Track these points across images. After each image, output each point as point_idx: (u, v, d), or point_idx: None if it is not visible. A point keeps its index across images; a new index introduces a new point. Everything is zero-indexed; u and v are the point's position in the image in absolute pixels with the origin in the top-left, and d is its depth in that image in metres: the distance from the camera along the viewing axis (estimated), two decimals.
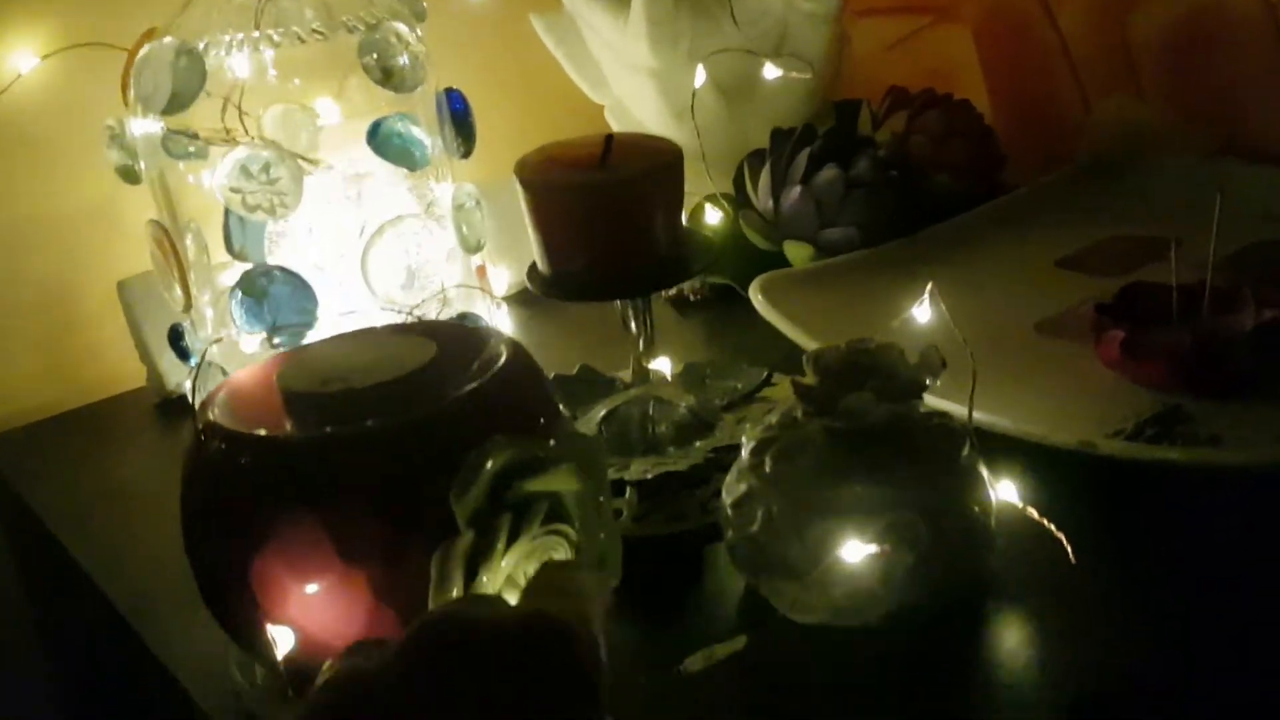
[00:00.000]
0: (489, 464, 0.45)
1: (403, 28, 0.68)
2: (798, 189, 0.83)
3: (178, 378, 0.79)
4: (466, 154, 0.75)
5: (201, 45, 0.65)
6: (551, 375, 0.71)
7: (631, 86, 0.90)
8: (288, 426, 0.48)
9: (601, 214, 0.59)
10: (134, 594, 0.60)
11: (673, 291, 0.89)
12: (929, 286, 0.59)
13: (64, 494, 0.72)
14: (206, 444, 0.47)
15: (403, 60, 0.66)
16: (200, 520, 0.47)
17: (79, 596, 0.65)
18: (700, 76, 0.80)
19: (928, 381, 0.50)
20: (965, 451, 0.51)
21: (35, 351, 0.84)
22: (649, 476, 0.58)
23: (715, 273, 0.87)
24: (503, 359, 0.50)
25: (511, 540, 0.45)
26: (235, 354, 0.70)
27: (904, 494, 0.48)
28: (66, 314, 0.85)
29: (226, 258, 0.69)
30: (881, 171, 0.84)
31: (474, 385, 0.48)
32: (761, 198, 0.86)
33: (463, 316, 0.71)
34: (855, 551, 0.46)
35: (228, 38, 0.65)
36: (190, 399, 0.71)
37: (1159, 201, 0.87)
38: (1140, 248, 0.82)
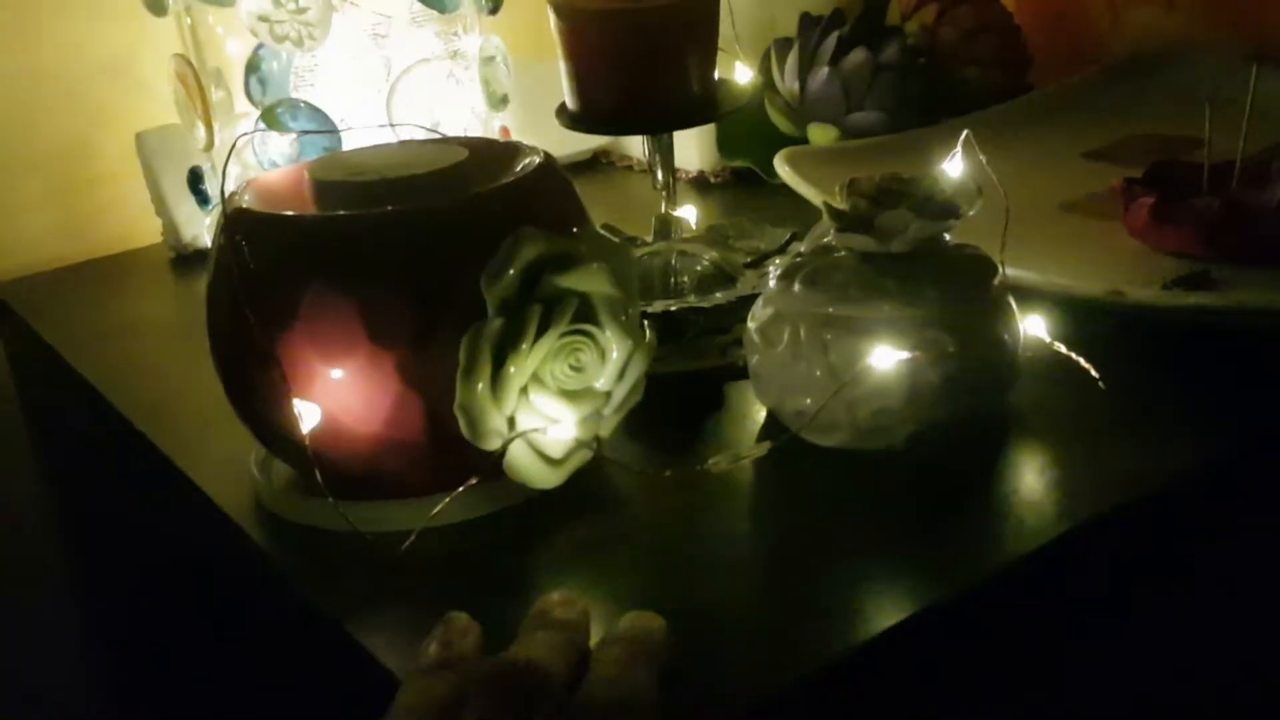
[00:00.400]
0: (521, 252, 0.44)
1: None
2: (825, 71, 0.82)
3: (194, 230, 0.79)
4: (495, 10, 0.74)
5: None
6: None
7: None
8: (319, 209, 0.47)
9: (635, 43, 0.58)
10: (149, 410, 0.60)
11: (694, 171, 0.89)
12: (964, 134, 0.58)
13: (80, 330, 0.72)
14: (234, 226, 0.46)
15: None
16: (226, 306, 0.46)
17: (93, 420, 0.65)
18: None
19: (963, 208, 0.50)
20: (996, 280, 0.50)
21: (51, 204, 0.83)
22: (673, 309, 0.57)
23: (738, 155, 0.87)
24: (535, 164, 0.49)
25: (540, 334, 0.45)
26: None
27: (933, 314, 0.48)
28: (83, 167, 0.84)
29: (248, 107, 0.68)
30: (910, 57, 0.84)
31: (507, 180, 0.47)
32: (787, 81, 0.85)
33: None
34: (883, 358, 0.46)
35: None
36: (210, 245, 0.71)
37: (1188, 103, 0.86)
38: (1168, 143, 0.81)
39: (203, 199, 0.73)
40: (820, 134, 0.83)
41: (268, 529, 0.49)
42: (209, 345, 0.48)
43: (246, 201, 0.48)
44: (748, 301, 0.61)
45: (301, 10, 0.64)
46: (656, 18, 0.58)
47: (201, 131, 0.69)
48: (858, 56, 0.82)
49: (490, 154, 0.51)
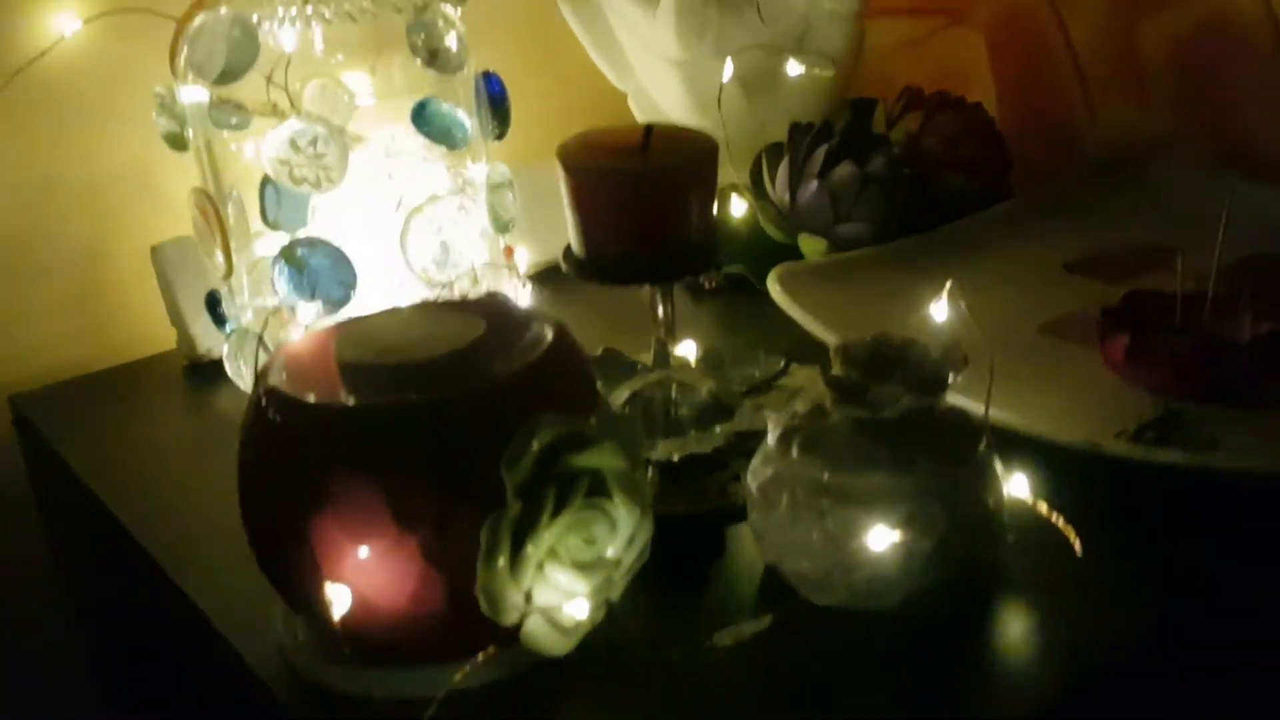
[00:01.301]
0: (538, 438, 0.47)
1: (450, 9, 0.70)
2: (814, 184, 0.86)
3: (208, 343, 0.81)
4: (501, 135, 0.77)
5: (255, 18, 0.67)
6: None
7: (656, 75, 0.92)
8: (345, 396, 0.50)
9: (640, 201, 0.61)
10: (171, 546, 0.62)
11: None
12: (949, 285, 0.61)
13: (97, 450, 0.74)
14: (267, 410, 0.49)
15: (449, 42, 0.69)
16: (259, 484, 0.49)
17: (111, 552, 0.67)
18: (728, 71, 0.82)
19: (951, 376, 0.53)
20: (982, 445, 0.54)
21: (66, 310, 0.86)
22: (675, 459, 0.60)
23: (731, 263, 0.90)
24: (549, 339, 0.52)
25: (556, 512, 0.48)
26: (273, 321, 0.72)
27: (924, 483, 0.51)
28: (98, 275, 0.86)
29: (264, 226, 0.71)
30: (896, 169, 0.87)
31: (524, 363, 0.50)
32: (778, 190, 0.89)
33: (491, 296, 0.73)
34: (878, 538, 0.49)
35: (281, 11, 0.67)
36: (228, 367, 0.74)
37: (1165, 209, 0.90)
38: (1146, 255, 0.85)
39: (220, 320, 0.76)
40: (810, 245, 0.86)
41: (289, 685, 0.52)
42: (240, 513, 0.51)
43: (276, 379, 0.50)
44: (745, 436, 0.64)
45: (320, 155, 0.67)
46: (661, 177, 0.61)
47: (220, 259, 0.72)
48: (845, 170, 0.85)
49: (505, 322, 0.54)
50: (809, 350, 0.73)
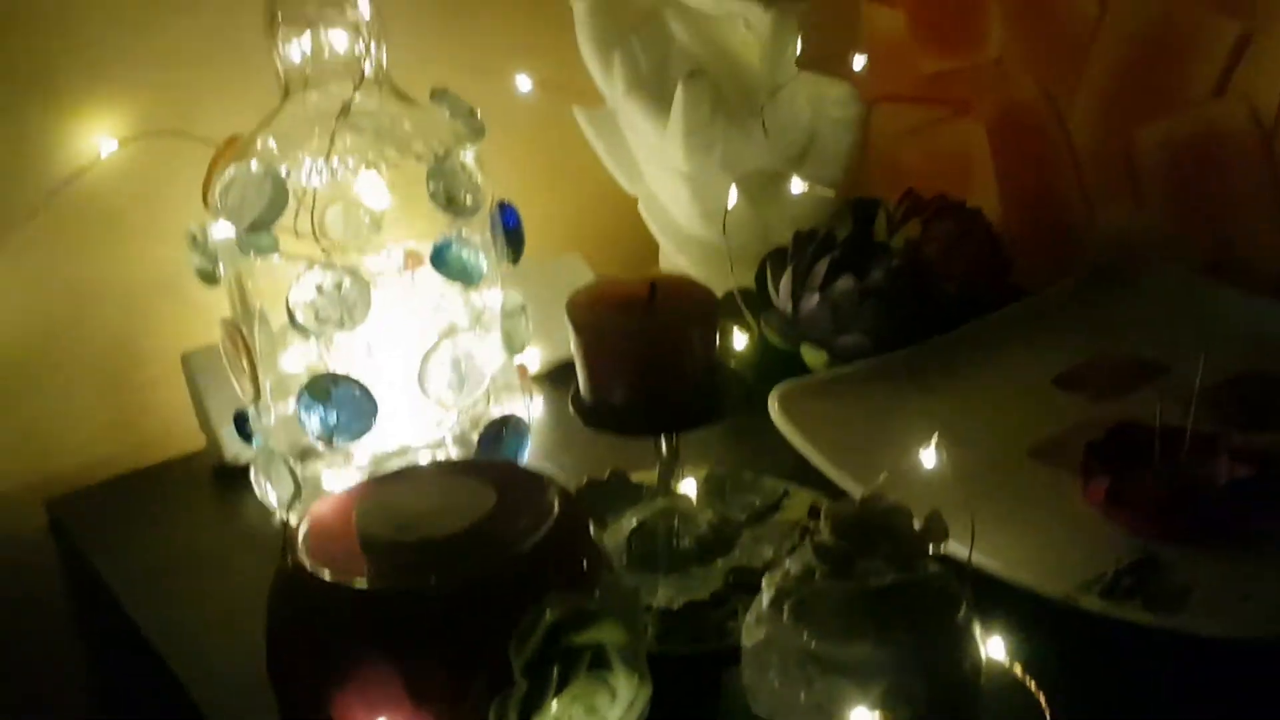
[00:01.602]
0: (544, 620, 0.51)
1: (468, 159, 0.74)
2: (816, 297, 0.89)
3: (235, 449, 0.85)
4: (515, 260, 0.81)
5: (284, 170, 0.71)
6: (585, 479, 0.78)
7: (665, 184, 0.96)
8: (366, 572, 0.54)
9: (644, 357, 0.65)
10: (204, 675, 0.67)
11: None
12: (935, 437, 0.65)
13: (125, 557, 0.79)
14: (293, 585, 0.53)
15: (466, 190, 0.72)
16: (284, 651, 0.53)
17: (135, 656, 0.72)
18: (733, 196, 0.85)
19: (931, 549, 0.57)
20: (961, 613, 0.57)
21: (98, 410, 0.90)
22: (675, 607, 0.64)
23: (738, 367, 0.94)
24: (555, 511, 0.56)
25: (560, 687, 0.51)
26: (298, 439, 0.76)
27: (905, 655, 0.54)
28: (130, 377, 0.91)
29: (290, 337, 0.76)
30: (895, 281, 0.90)
31: (533, 541, 0.54)
32: (782, 299, 0.92)
33: (504, 421, 0.77)
34: (860, 716, 0.53)
35: (308, 162, 0.71)
36: (254, 483, 0.78)
37: (1155, 316, 0.93)
38: (1133, 368, 0.88)
39: (247, 437, 0.80)
40: (812, 355, 0.90)
41: None
42: (268, 678, 0.55)
43: (301, 551, 0.54)
44: (744, 573, 0.68)
45: (344, 298, 0.70)
46: (665, 335, 0.65)
47: (248, 386, 0.76)
48: (845, 284, 0.89)
49: (515, 490, 0.57)
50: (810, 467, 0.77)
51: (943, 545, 0.57)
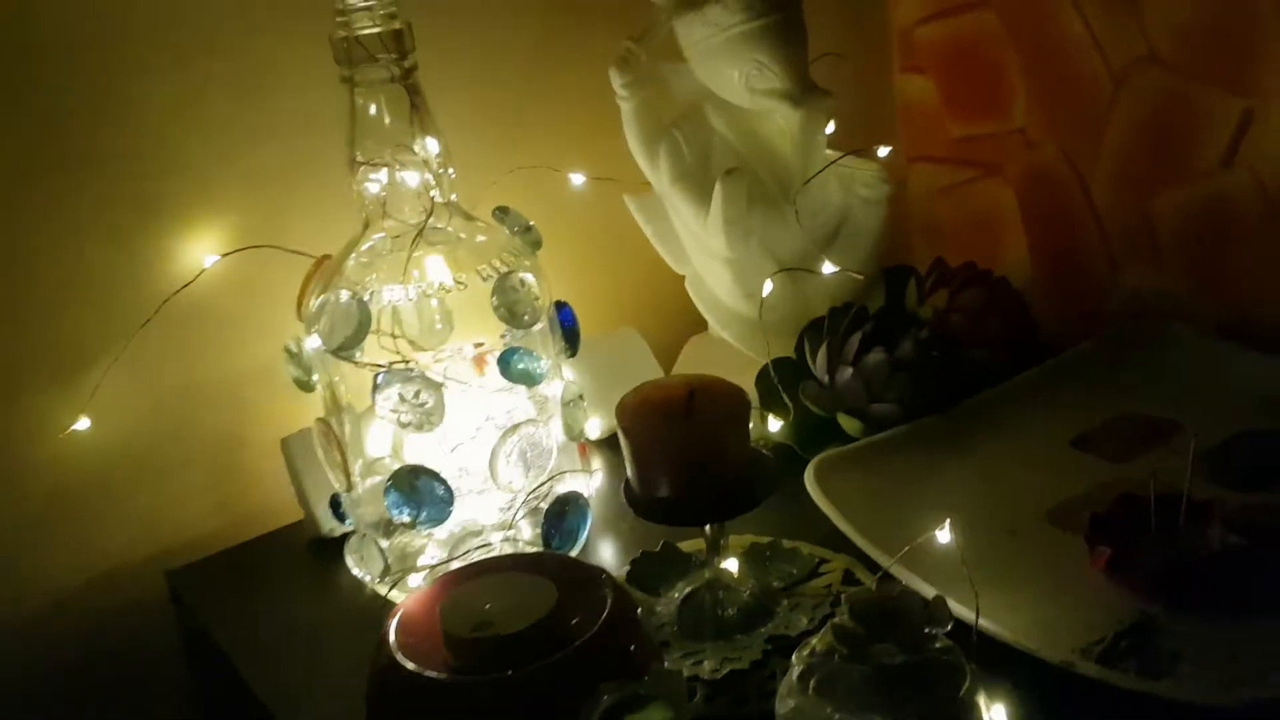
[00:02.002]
0: (601, 706, 0.60)
1: (529, 277, 0.83)
2: (849, 370, 0.97)
3: (330, 524, 0.95)
4: (572, 354, 0.91)
5: (368, 295, 0.81)
6: (639, 551, 0.87)
7: (709, 266, 1.04)
8: (449, 660, 0.63)
9: (684, 457, 0.74)
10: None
11: None
12: (947, 522, 0.73)
13: (238, 624, 0.89)
14: (388, 676, 0.63)
15: (525, 308, 0.82)
16: None
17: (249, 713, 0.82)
18: (768, 286, 0.94)
19: (935, 631, 0.65)
20: (965, 686, 0.65)
21: (208, 491, 1.01)
22: (719, 675, 0.73)
23: (779, 433, 1.02)
24: (609, 605, 0.65)
25: None
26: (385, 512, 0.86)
27: None
28: (235, 459, 1.01)
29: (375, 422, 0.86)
30: (924, 353, 0.98)
31: (590, 634, 0.63)
32: (819, 369, 1.00)
33: (566, 500, 0.86)
34: None
35: (388, 292, 0.81)
36: (348, 559, 0.88)
37: (1171, 378, 1.00)
38: (1148, 428, 0.95)
39: (340, 518, 0.90)
40: (847, 422, 0.98)
41: None
42: None
43: (394, 646, 0.64)
44: (782, 639, 0.77)
45: (422, 404, 0.80)
46: (704, 436, 0.74)
47: (341, 477, 0.86)
48: (876, 357, 0.97)
49: (574, 583, 0.67)
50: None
51: (945, 628, 0.65)
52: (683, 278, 1.08)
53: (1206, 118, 1.02)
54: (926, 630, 0.65)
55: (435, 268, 0.84)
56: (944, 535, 0.75)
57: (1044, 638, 0.73)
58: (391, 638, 0.65)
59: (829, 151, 1.05)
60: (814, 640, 0.68)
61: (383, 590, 0.87)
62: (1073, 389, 1.00)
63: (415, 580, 0.84)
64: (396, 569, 0.86)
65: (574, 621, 0.65)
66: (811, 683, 0.66)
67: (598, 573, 0.68)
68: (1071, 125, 1.13)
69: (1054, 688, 0.70)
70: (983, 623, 0.70)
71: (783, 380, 0.99)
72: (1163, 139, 1.06)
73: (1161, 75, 1.04)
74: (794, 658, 0.68)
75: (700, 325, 1.12)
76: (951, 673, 0.66)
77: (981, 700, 0.66)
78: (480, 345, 0.89)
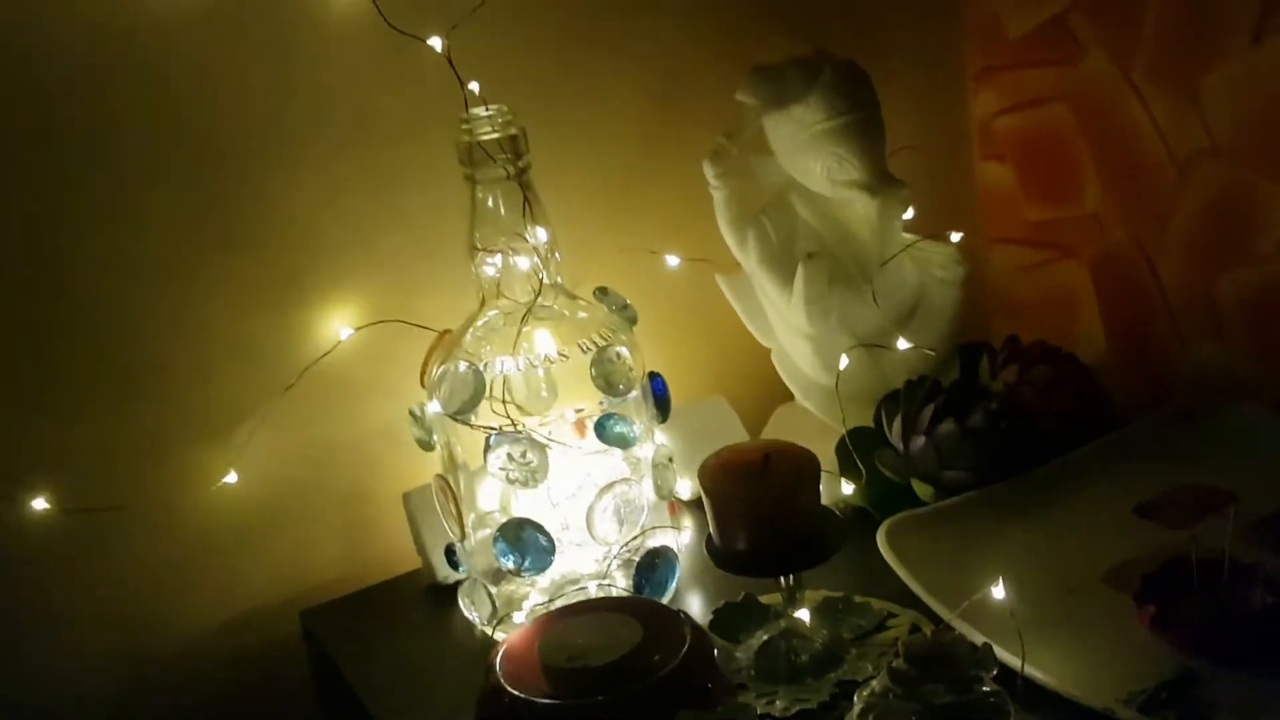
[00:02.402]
0: None
1: (623, 350, 0.93)
2: (922, 439, 1.05)
3: (445, 571, 1.06)
4: (663, 420, 1.00)
5: (483, 365, 0.92)
6: (722, 602, 0.95)
7: (792, 341, 1.13)
8: (547, 688, 0.73)
9: (761, 515, 0.82)
10: None
11: None
12: (999, 579, 0.80)
13: (366, 662, 0.99)
14: (497, 699, 0.72)
15: (620, 379, 0.92)
16: None
17: None
18: (844, 360, 1.03)
19: (982, 674, 0.72)
20: None
21: (337, 539, 1.12)
22: (789, 714, 0.81)
23: (856, 497, 1.10)
24: (688, 643, 0.74)
25: None
26: (493, 562, 0.96)
27: None
28: (361, 512, 1.13)
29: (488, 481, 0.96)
30: (994, 423, 1.05)
31: (670, 667, 0.72)
32: (895, 438, 1.08)
33: (657, 553, 0.95)
34: None
35: (500, 363, 0.92)
36: (461, 603, 0.98)
37: (1231, 450, 1.05)
38: (1204, 497, 1.00)
39: (454, 566, 1.00)
40: (920, 488, 1.05)
41: None
42: None
43: (499, 674, 0.73)
44: (849, 684, 0.84)
45: (528, 463, 0.90)
46: (777, 497, 0.82)
47: (456, 528, 0.96)
48: (948, 428, 1.04)
49: (657, 626, 0.76)
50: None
51: (991, 672, 0.73)
52: (769, 351, 1.16)
53: (1265, 205, 1.08)
54: (973, 673, 0.73)
55: (542, 341, 0.95)
56: (998, 591, 0.82)
57: (1088, 687, 0.79)
58: (497, 667, 0.75)
59: (906, 235, 1.13)
60: (873, 682, 0.76)
61: (490, 631, 0.96)
62: (1136, 458, 1.06)
63: (519, 619, 0.93)
64: (504, 611, 0.96)
65: (656, 657, 0.73)
66: (870, 718, 0.73)
67: (678, 614, 0.77)
68: (1140, 210, 1.20)
69: None
70: (1029, 670, 0.77)
71: (859, 447, 1.07)
72: (1225, 223, 1.12)
73: (1221, 165, 1.11)
74: (855, 697, 0.76)
75: (785, 394, 1.21)
76: (996, 714, 0.73)
77: None
78: (580, 411, 0.99)
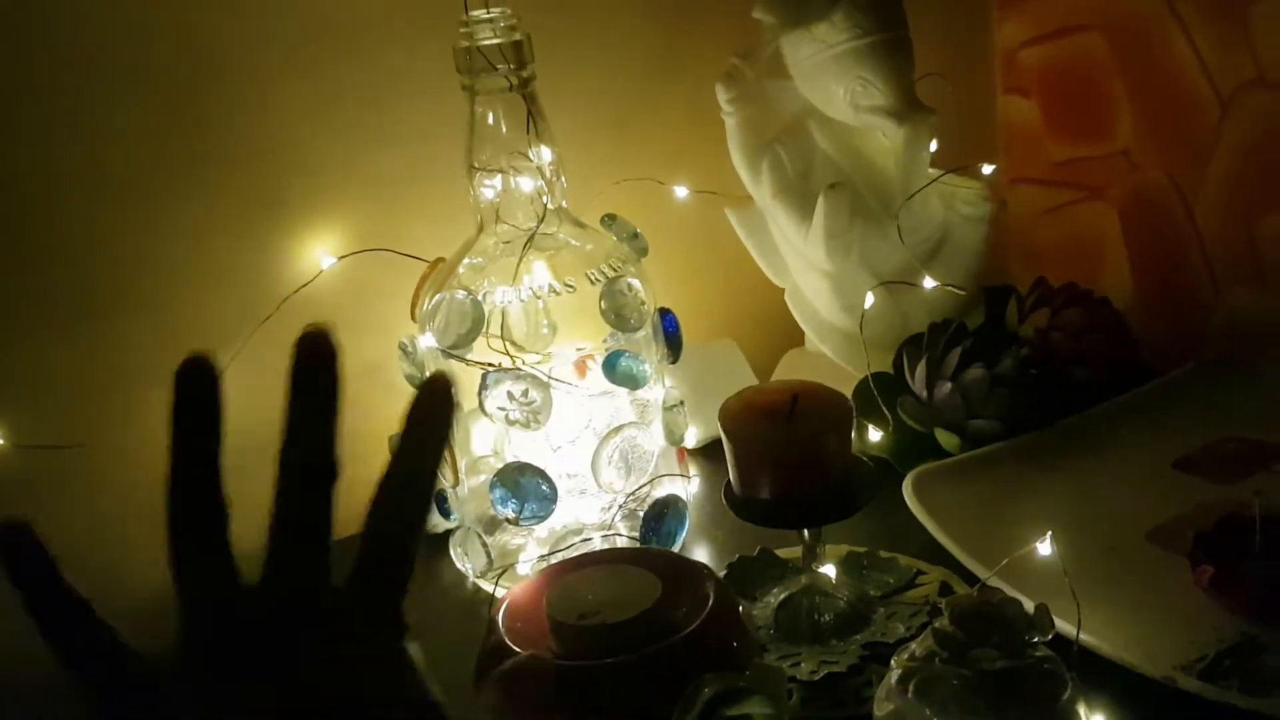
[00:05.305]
0: (702, 696, 0.62)
1: (636, 282, 0.85)
2: (948, 385, 0.98)
3: (434, 519, 0.98)
4: (674, 360, 0.92)
5: (481, 295, 0.84)
6: (736, 556, 0.88)
7: (809, 279, 1.06)
8: (555, 647, 0.65)
9: (786, 461, 0.75)
10: None
11: None
12: (1048, 534, 0.73)
13: None
14: (494, 658, 0.65)
15: (632, 311, 0.84)
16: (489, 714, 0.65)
17: None
18: (870, 299, 0.95)
19: (1037, 639, 0.65)
20: (1067, 694, 0.66)
21: None
22: (816, 677, 0.74)
23: (878, 447, 1.03)
24: (711, 600, 0.67)
25: None
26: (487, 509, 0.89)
27: None
28: (345, 455, 1.04)
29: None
30: (1023, 370, 0.98)
31: (693, 626, 0.65)
32: (918, 385, 1.01)
33: (665, 503, 0.88)
34: None
35: (500, 293, 0.84)
36: (452, 552, 0.90)
37: (1272, 401, 0.99)
38: (1250, 452, 0.94)
39: (445, 514, 0.93)
40: (945, 437, 0.98)
41: None
42: None
43: (502, 630, 0.66)
44: (878, 646, 0.78)
45: (530, 402, 0.82)
46: (805, 442, 0.75)
47: (449, 473, 0.89)
48: (976, 373, 0.97)
49: (678, 581, 0.68)
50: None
51: (1048, 636, 0.66)
52: (782, 290, 1.09)
53: None
54: (1027, 638, 0.66)
55: (543, 272, 0.87)
56: (1045, 548, 0.76)
57: (1144, 653, 0.73)
58: (500, 623, 0.67)
59: (931, 169, 1.05)
60: (914, 645, 0.69)
61: (485, 584, 0.89)
62: (1174, 410, 1.00)
63: (521, 572, 0.86)
64: (498, 565, 0.88)
65: (679, 613, 0.66)
66: (911, 686, 0.66)
67: (701, 568, 0.70)
68: (1177, 148, 1.13)
69: (1153, 703, 0.70)
70: (1083, 636, 0.70)
71: (880, 394, 0.99)
72: (1270, 161, 1.05)
73: (1270, 98, 1.04)
74: (893, 661, 0.69)
75: (796, 340, 1.13)
76: (1051, 681, 0.66)
77: (1081, 710, 0.66)
78: (581, 350, 0.91)
